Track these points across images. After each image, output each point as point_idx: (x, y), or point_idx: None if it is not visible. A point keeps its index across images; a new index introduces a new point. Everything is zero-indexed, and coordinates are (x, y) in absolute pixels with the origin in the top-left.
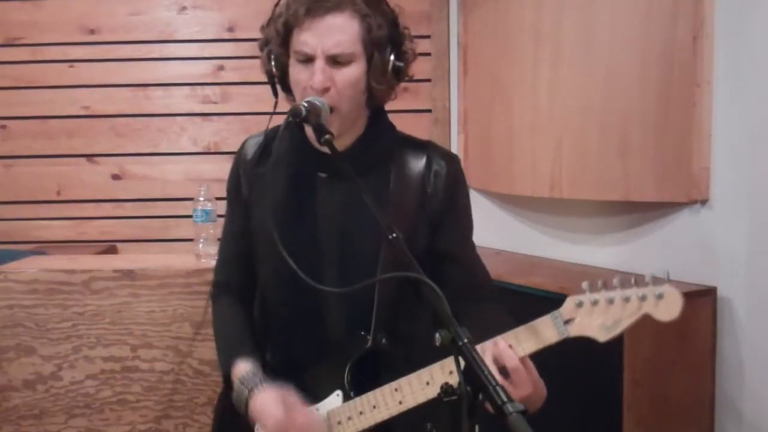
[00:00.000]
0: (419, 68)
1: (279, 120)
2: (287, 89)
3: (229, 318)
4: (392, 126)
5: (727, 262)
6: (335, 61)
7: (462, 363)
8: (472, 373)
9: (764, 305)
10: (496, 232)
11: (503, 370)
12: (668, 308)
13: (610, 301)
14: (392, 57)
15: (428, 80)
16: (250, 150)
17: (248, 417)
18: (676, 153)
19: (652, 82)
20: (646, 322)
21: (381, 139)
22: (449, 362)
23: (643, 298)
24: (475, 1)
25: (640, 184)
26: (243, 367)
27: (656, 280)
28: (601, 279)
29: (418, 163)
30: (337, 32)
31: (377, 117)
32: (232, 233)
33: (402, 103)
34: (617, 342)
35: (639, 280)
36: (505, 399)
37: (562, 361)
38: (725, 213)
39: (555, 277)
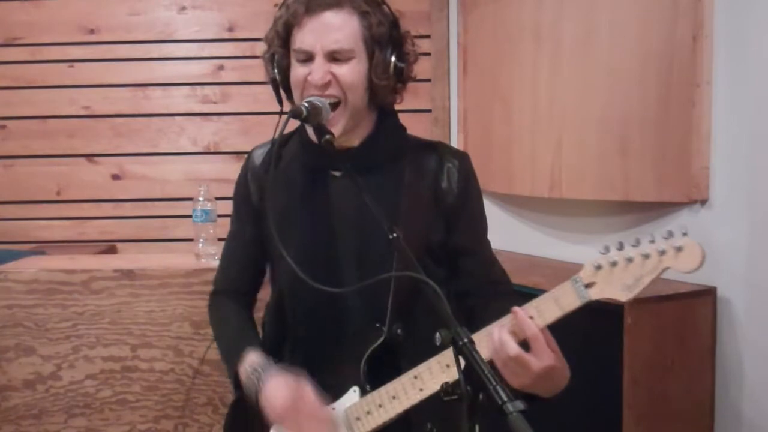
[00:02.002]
0: (419, 68)
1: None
2: (290, 93)
3: (229, 317)
4: (402, 127)
5: (727, 262)
6: (335, 57)
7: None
8: (473, 373)
9: (764, 305)
10: (495, 232)
11: (523, 342)
12: (688, 259)
13: (630, 260)
14: (393, 58)
15: (428, 80)
16: (258, 158)
17: (260, 408)
18: (676, 153)
19: (652, 82)
20: (645, 321)
21: (391, 137)
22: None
23: (662, 253)
24: (475, 1)
25: (640, 184)
26: (252, 358)
27: (674, 235)
28: (616, 241)
29: (430, 161)
30: (335, 29)
31: (386, 117)
32: (240, 242)
33: (402, 103)
34: (617, 342)
35: (656, 237)
36: (506, 398)
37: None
38: (725, 213)
39: (555, 277)
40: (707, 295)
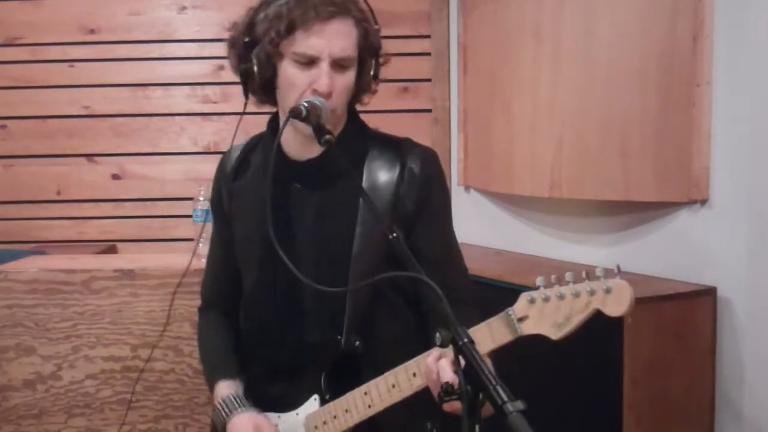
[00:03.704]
0: (419, 68)
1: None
2: (266, 90)
3: (214, 336)
4: (364, 127)
5: (727, 261)
6: (338, 65)
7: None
8: (472, 372)
9: (764, 305)
10: (495, 232)
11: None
12: (617, 302)
13: (561, 297)
14: (374, 62)
15: (428, 80)
16: (229, 164)
17: None
18: (676, 153)
19: (652, 82)
20: (645, 321)
21: (353, 145)
22: (412, 365)
23: (591, 293)
24: (475, 1)
25: (640, 183)
26: (224, 389)
27: (607, 273)
28: (555, 274)
29: (391, 163)
30: (343, 37)
31: (352, 119)
32: (218, 247)
33: (402, 103)
34: (617, 342)
35: (591, 274)
36: (505, 398)
37: (563, 361)
38: (724, 213)
39: None
40: (707, 294)
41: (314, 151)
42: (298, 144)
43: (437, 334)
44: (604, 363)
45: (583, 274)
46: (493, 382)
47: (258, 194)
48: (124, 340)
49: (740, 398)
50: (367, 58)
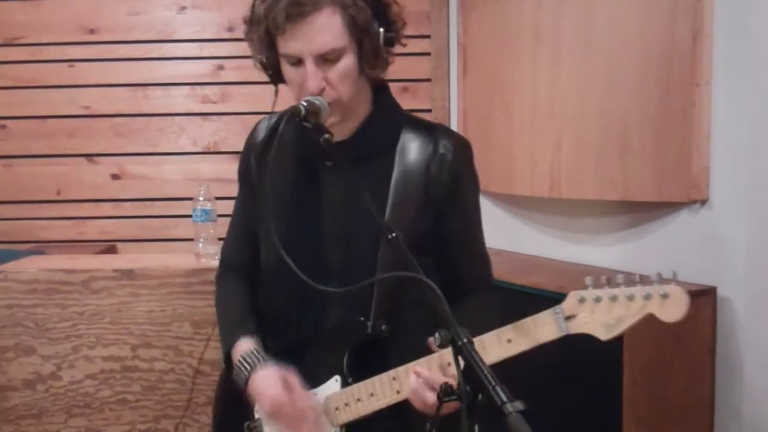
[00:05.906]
0: (419, 68)
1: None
2: (282, 79)
3: (233, 297)
4: (398, 107)
5: (727, 261)
6: (325, 59)
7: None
8: (472, 373)
9: (764, 305)
10: (495, 232)
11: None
12: (673, 308)
13: (614, 299)
14: (381, 30)
15: (428, 80)
16: (261, 133)
17: (247, 394)
18: (676, 153)
19: (652, 82)
20: (645, 321)
21: (385, 124)
22: (447, 354)
23: (647, 297)
24: (475, 1)
25: (640, 183)
26: (245, 345)
27: (662, 279)
28: (605, 275)
29: (424, 147)
30: (320, 32)
31: (381, 98)
32: (241, 213)
33: (402, 102)
34: (617, 342)
35: (644, 279)
36: (505, 399)
37: (562, 361)
38: (724, 213)
39: (555, 277)
40: (707, 294)
41: (345, 133)
42: (330, 126)
43: (436, 335)
44: (604, 363)
45: (637, 278)
46: (493, 383)
47: (287, 170)
48: (124, 340)
49: (740, 398)
50: (363, 38)
